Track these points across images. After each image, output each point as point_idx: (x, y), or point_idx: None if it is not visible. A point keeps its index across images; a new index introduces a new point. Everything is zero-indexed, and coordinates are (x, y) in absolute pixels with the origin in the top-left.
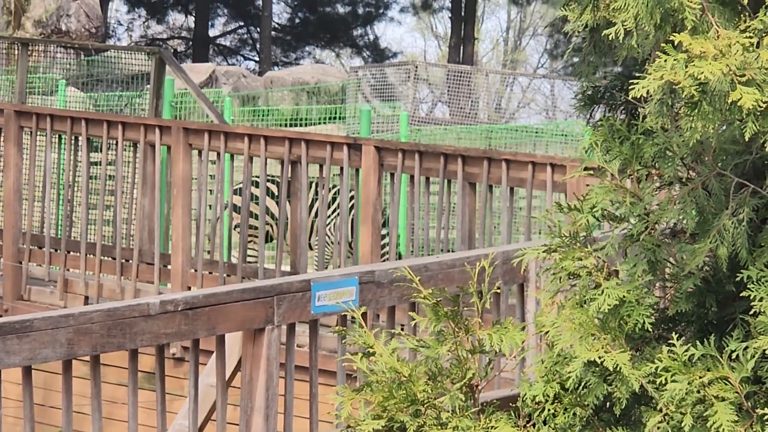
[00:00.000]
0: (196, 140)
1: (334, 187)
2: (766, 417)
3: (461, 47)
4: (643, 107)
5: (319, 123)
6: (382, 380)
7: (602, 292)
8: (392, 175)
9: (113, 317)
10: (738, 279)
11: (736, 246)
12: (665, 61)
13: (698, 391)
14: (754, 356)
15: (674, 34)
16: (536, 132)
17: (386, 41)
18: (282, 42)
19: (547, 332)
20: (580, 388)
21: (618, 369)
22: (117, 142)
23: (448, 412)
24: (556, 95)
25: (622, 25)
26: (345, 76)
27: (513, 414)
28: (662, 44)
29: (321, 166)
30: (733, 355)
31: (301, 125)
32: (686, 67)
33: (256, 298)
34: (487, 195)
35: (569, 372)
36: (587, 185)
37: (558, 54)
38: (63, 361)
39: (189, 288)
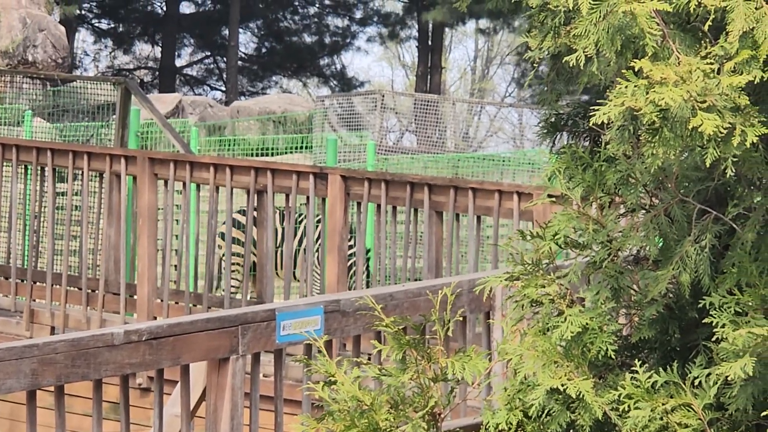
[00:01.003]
0: (161, 170)
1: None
2: None
3: (428, 76)
4: (606, 134)
5: (286, 152)
6: (344, 409)
7: (565, 319)
8: (359, 204)
9: (77, 347)
10: (701, 305)
11: (698, 272)
12: (626, 87)
13: (661, 418)
14: (716, 383)
15: (635, 60)
16: (503, 160)
17: (353, 70)
18: (249, 72)
19: (510, 360)
20: (543, 415)
21: (581, 396)
22: (83, 172)
23: None
24: (524, 124)
25: (583, 52)
26: (312, 106)
27: None
28: (623, 71)
29: (287, 196)
30: (696, 382)
31: (267, 155)
32: (647, 93)
33: (221, 328)
34: (453, 223)
35: (532, 400)
36: (554, 213)
37: (525, 82)
38: (27, 392)
39: (155, 318)
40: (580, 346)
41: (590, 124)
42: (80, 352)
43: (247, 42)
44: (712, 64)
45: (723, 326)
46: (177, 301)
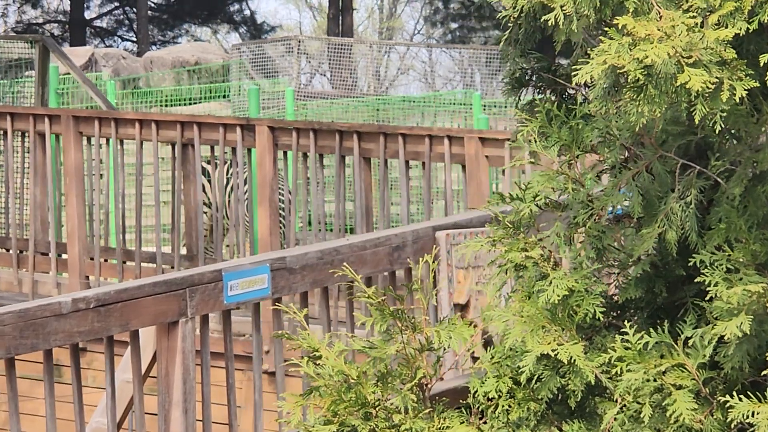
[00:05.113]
0: (86, 128)
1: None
2: (727, 404)
3: (340, 18)
4: (573, 89)
5: (202, 101)
6: (330, 384)
7: (550, 282)
8: (285, 153)
9: (25, 318)
10: (690, 264)
11: (685, 229)
12: (609, 45)
13: (655, 380)
14: (711, 342)
15: (617, 17)
16: (424, 101)
17: (262, 15)
18: (159, 21)
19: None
20: (533, 382)
21: (572, 361)
22: (6, 132)
23: (400, 413)
24: (434, 61)
25: (561, 10)
26: (224, 54)
27: (465, 411)
28: (605, 28)
29: (213, 148)
30: (689, 342)
31: (183, 105)
32: (631, 50)
33: (168, 291)
34: (384, 169)
35: (522, 366)
36: (486, 156)
37: (436, 20)
38: None
39: (87, 277)
40: (566, 310)
41: (573, 83)
42: (28, 323)
43: None
44: (694, 17)
45: (716, 284)
46: (106, 259)
